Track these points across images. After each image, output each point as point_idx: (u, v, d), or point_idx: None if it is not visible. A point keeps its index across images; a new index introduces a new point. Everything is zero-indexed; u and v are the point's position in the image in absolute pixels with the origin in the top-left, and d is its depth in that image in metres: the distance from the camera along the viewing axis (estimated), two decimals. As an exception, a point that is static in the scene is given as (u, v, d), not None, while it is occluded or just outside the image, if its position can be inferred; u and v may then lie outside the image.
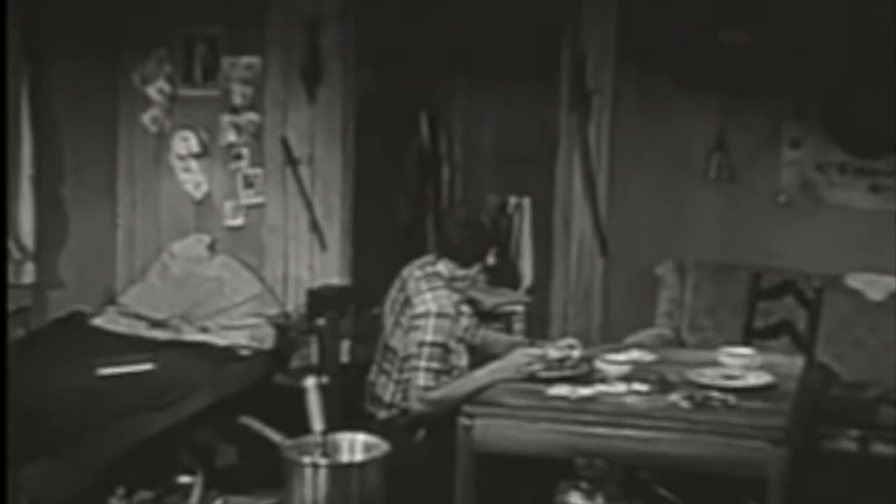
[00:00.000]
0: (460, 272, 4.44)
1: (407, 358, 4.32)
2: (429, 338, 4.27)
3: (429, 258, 4.52)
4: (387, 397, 4.42)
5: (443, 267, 4.44)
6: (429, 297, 4.34)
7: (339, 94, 6.22)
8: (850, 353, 5.76)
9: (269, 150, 6.28)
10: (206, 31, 6.27)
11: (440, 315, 4.30)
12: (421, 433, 4.35)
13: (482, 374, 4.26)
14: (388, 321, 4.47)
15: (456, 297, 4.41)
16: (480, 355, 4.56)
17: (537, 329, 6.06)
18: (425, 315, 4.30)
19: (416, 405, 4.27)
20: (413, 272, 4.47)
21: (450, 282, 4.41)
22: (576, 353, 4.39)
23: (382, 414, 4.41)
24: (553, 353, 4.37)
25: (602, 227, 6.29)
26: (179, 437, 5.08)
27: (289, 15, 6.13)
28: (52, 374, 4.99)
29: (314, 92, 6.16)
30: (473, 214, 4.51)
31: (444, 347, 4.30)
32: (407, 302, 4.38)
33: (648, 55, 6.18)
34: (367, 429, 3.91)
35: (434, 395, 4.24)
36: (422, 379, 4.26)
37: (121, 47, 6.33)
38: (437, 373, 4.27)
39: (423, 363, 4.26)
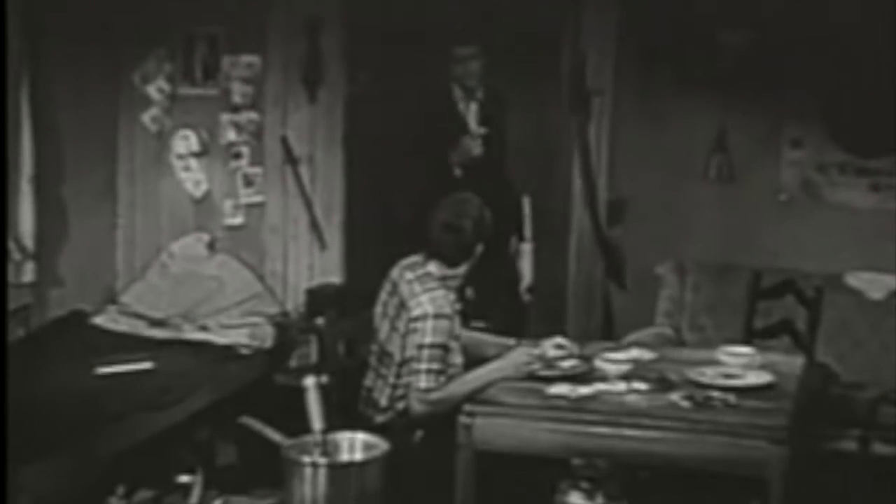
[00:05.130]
0: (450, 272, 4.43)
1: (405, 361, 4.31)
2: (428, 340, 4.26)
3: (417, 259, 4.49)
4: (383, 402, 4.41)
5: (433, 267, 4.43)
6: (425, 298, 4.32)
7: (340, 94, 6.21)
8: (851, 353, 5.77)
9: (268, 149, 6.27)
10: (206, 30, 6.26)
11: (438, 316, 4.29)
12: (419, 433, 4.35)
13: (482, 374, 4.26)
14: (383, 326, 4.45)
15: (452, 295, 4.40)
16: (466, 356, 4.55)
17: (538, 329, 6.06)
18: (423, 317, 4.29)
19: (417, 406, 4.26)
20: (404, 274, 4.45)
21: (442, 281, 4.40)
22: (574, 351, 4.39)
23: (379, 418, 4.40)
24: (551, 351, 4.37)
25: (602, 227, 6.29)
26: (179, 436, 5.07)
27: (289, 14, 6.12)
28: (52, 374, 4.99)
29: (314, 91, 6.16)
30: (456, 217, 4.47)
31: (444, 348, 4.29)
32: (402, 305, 4.37)
33: (648, 55, 6.18)
34: (366, 429, 3.91)
35: (435, 395, 4.23)
36: (423, 381, 4.25)
37: (121, 47, 6.31)
38: (438, 373, 4.26)
39: (423, 365, 4.25)
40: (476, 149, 6.00)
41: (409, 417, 4.32)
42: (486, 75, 6.11)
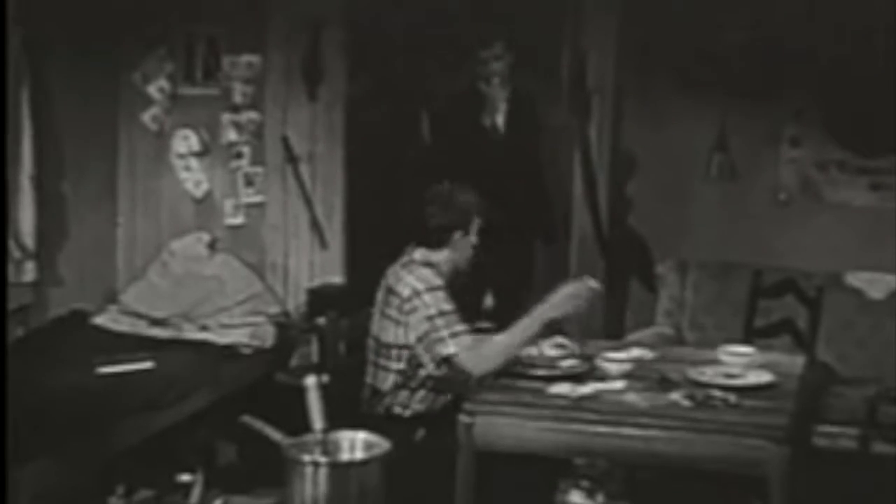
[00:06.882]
0: (434, 257, 4.44)
1: (420, 339, 4.27)
2: (433, 310, 4.24)
3: (405, 256, 4.52)
4: (386, 387, 4.40)
5: (418, 255, 4.44)
6: (410, 279, 4.31)
7: (340, 93, 6.21)
8: (851, 352, 5.77)
9: (269, 148, 6.28)
10: (206, 29, 6.26)
11: (430, 289, 4.27)
12: (420, 431, 4.35)
13: (536, 316, 4.23)
14: (375, 316, 4.47)
15: (437, 273, 4.38)
16: None
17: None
18: (415, 295, 4.27)
19: (474, 370, 4.19)
20: (393, 266, 4.48)
21: (426, 265, 4.40)
22: (575, 350, 4.40)
23: (387, 401, 4.40)
24: (549, 351, 4.37)
25: (602, 227, 6.29)
26: (180, 435, 5.08)
27: (290, 13, 6.13)
28: (53, 373, 4.98)
29: (315, 90, 6.16)
30: (433, 194, 4.49)
31: (454, 313, 4.27)
32: (390, 291, 4.36)
33: (648, 55, 6.18)
34: (367, 427, 3.91)
35: (485, 350, 4.20)
36: (451, 347, 4.21)
37: (121, 46, 6.32)
38: (464, 333, 4.23)
39: (444, 332, 4.21)
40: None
41: (412, 414, 4.34)
42: (512, 74, 6.15)
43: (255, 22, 6.19)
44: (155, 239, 6.40)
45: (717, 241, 6.23)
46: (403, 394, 4.40)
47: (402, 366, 4.36)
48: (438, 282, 4.32)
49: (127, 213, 6.45)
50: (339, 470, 3.56)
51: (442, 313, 4.25)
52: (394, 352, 4.36)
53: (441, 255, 4.44)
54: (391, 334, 4.36)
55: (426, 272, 4.34)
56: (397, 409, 4.40)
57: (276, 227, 6.29)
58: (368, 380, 4.48)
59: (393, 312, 4.34)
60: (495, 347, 4.23)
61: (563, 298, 4.24)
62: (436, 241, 4.44)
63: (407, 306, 4.28)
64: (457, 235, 4.44)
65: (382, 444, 3.67)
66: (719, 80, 6.12)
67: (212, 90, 6.30)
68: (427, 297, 4.27)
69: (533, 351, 4.37)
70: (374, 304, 4.50)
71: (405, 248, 4.52)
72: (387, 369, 4.40)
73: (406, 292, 4.29)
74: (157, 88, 6.34)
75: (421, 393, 4.40)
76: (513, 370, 4.25)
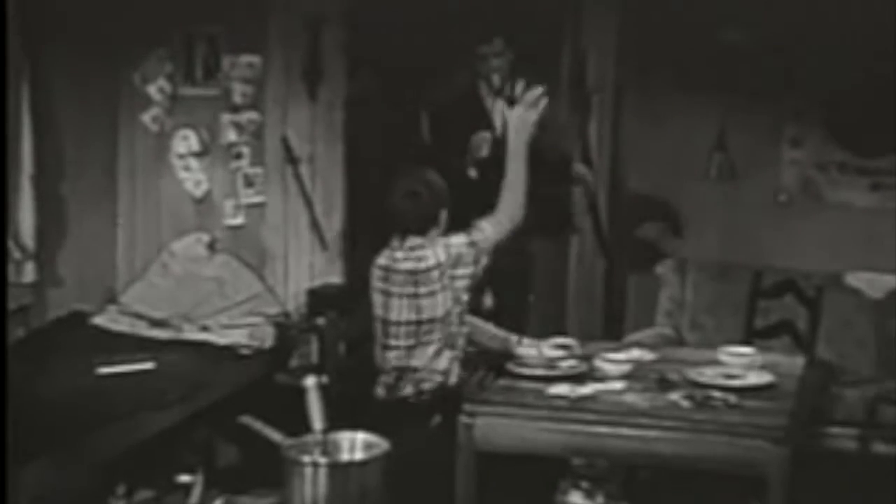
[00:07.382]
0: (426, 242, 4.53)
1: (476, 260, 4.49)
2: (464, 238, 4.52)
3: (394, 244, 4.59)
4: (423, 360, 4.48)
5: (412, 243, 4.54)
6: (434, 250, 4.49)
7: (340, 93, 6.21)
8: (851, 352, 5.77)
9: (269, 149, 6.27)
10: (206, 29, 6.26)
11: (469, 244, 4.50)
12: (437, 419, 4.35)
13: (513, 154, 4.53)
14: (402, 301, 4.50)
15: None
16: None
17: (538, 329, 6.05)
18: (450, 247, 4.49)
19: (515, 220, 4.57)
20: (395, 256, 4.55)
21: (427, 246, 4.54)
22: (576, 350, 4.41)
23: (419, 375, 4.46)
24: (549, 351, 4.38)
25: (602, 227, 6.29)
26: (180, 436, 5.08)
27: (290, 13, 6.12)
28: (53, 374, 4.99)
29: (315, 90, 6.16)
30: (410, 184, 4.61)
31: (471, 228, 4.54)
32: (414, 273, 4.47)
33: (648, 55, 6.18)
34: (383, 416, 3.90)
35: (501, 216, 4.56)
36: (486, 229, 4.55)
37: (121, 46, 6.31)
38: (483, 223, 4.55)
39: (481, 234, 4.54)
40: (484, 149, 5.90)
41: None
42: (513, 72, 6.07)
43: (255, 22, 6.19)
44: (155, 239, 6.39)
45: (717, 241, 6.24)
46: (446, 356, 4.46)
47: (442, 334, 4.47)
48: (462, 235, 4.55)
49: (127, 213, 6.44)
50: (339, 470, 3.56)
51: (469, 232, 4.52)
52: (437, 325, 4.45)
53: (431, 237, 4.55)
54: (437, 308, 4.46)
55: (443, 239, 4.53)
56: (438, 378, 4.45)
57: (276, 227, 6.29)
58: (396, 363, 4.50)
59: (434, 286, 4.46)
60: (512, 200, 4.55)
61: (518, 122, 4.56)
62: (425, 225, 4.56)
63: (454, 259, 4.47)
64: (443, 213, 4.58)
65: (382, 445, 3.68)
66: (719, 80, 6.12)
67: (212, 90, 6.30)
68: (455, 239, 4.51)
69: (533, 351, 4.37)
70: (380, 296, 4.54)
71: (392, 242, 4.61)
72: (427, 343, 4.47)
73: (442, 257, 4.47)
74: (157, 89, 6.33)
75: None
76: (513, 370, 4.25)
